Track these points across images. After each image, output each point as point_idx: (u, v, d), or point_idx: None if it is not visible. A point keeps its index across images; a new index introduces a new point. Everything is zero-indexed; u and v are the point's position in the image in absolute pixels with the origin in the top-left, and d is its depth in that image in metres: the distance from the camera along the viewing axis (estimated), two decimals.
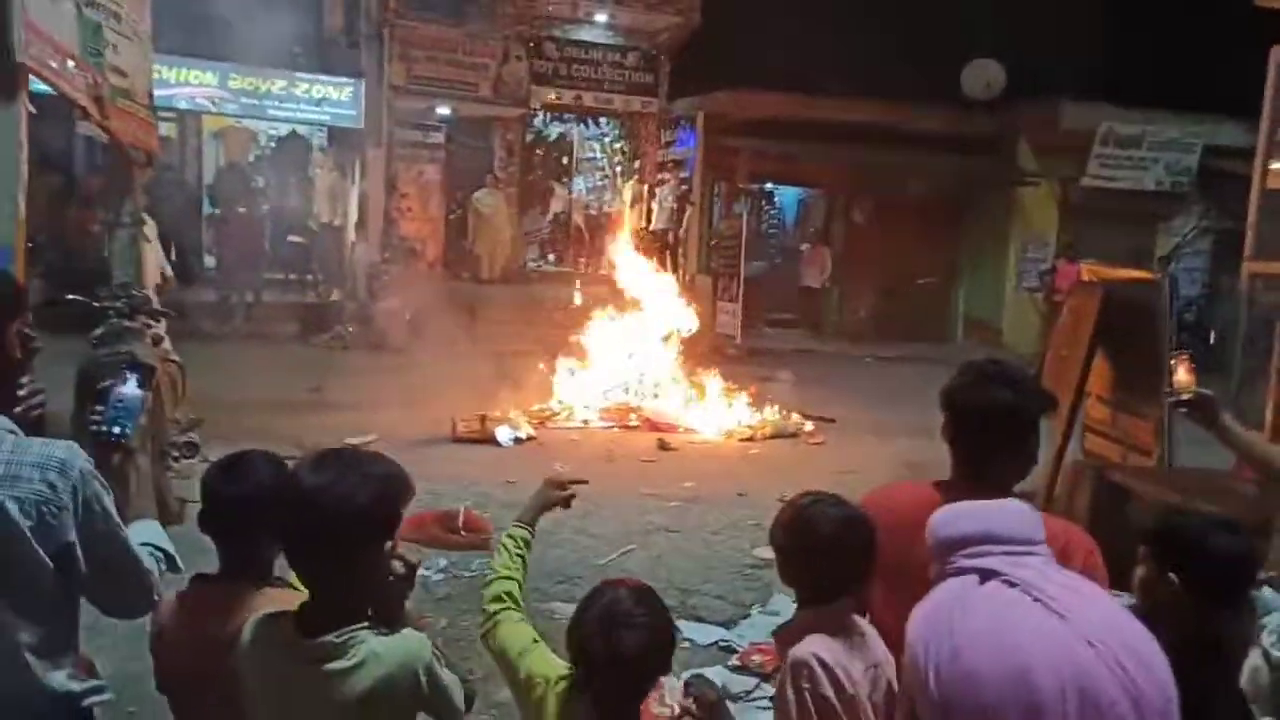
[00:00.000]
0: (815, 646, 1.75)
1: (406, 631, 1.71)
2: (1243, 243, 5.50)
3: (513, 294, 14.82)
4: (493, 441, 7.95)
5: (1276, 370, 4.91)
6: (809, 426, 9.26)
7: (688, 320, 10.29)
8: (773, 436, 8.91)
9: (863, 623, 1.88)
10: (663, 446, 8.28)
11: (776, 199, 18.24)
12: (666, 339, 9.96)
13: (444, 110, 15.65)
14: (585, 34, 15.92)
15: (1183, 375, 2.71)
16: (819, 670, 1.70)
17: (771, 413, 9.37)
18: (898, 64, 14.28)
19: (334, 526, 1.60)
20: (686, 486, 6.89)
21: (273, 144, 15.69)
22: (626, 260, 10.93)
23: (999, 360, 2.03)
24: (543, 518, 2.22)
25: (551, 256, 17.85)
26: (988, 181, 16.83)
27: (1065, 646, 0.93)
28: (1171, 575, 1.62)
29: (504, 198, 15.43)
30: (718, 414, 9.20)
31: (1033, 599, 0.99)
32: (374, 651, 1.63)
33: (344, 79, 14.39)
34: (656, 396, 9.31)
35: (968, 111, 15.67)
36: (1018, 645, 0.95)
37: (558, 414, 9.07)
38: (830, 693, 1.67)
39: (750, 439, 8.80)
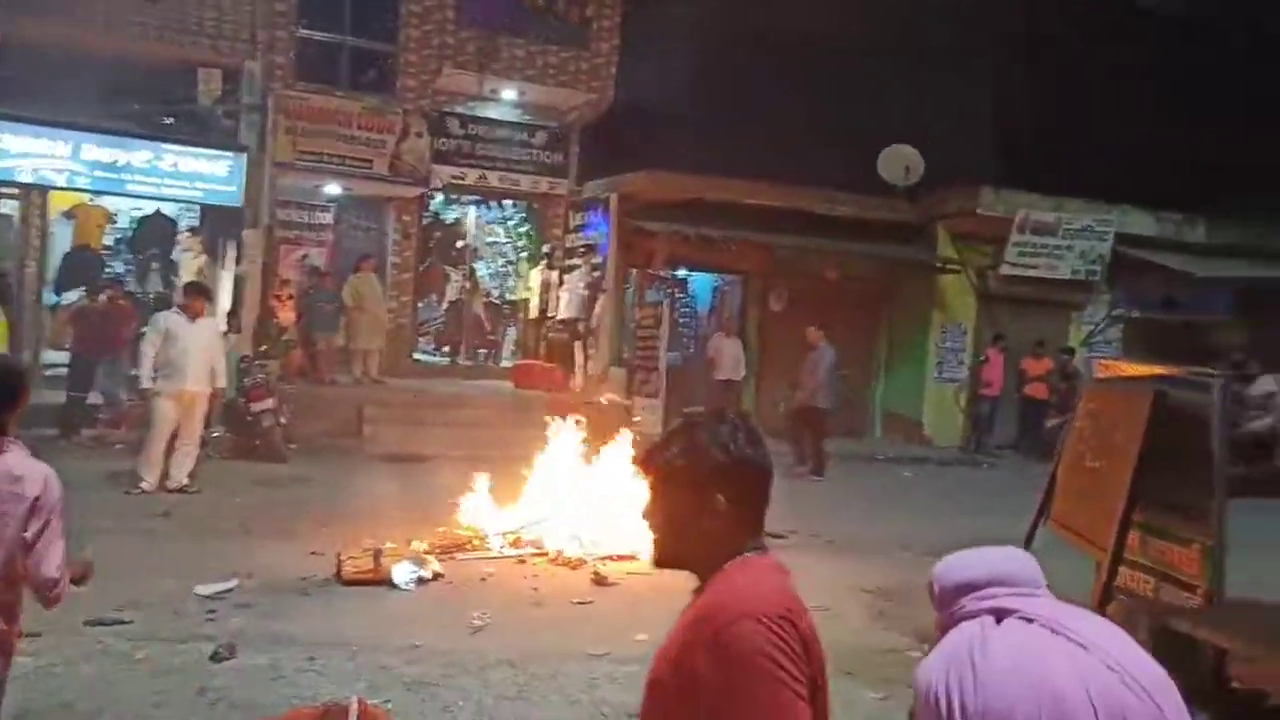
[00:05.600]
0: None
1: None
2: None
3: (404, 392, 13.33)
4: (388, 583, 6.47)
5: None
6: None
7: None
8: None
9: None
10: (598, 580, 6.94)
11: (690, 286, 17.35)
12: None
13: (334, 189, 14.29)
14: (492, 111, 14.90)
15: None
16: None
17: None
18: (817, 148, 13.73)
19: None
20: (639, 640, 5.52)
21: (134, 224, 13.98)
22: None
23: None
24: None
25: (446, 349, 16.41)
26: (907, 269, 16.36)
27: (1092, 671, 1.01)
28: None
29: (376, 281, 13.71)
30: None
31: (1052, 631, 1.05)
32: None
33: (221, 152, 12.89)
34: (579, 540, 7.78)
35: (887, 198, 15.18)
36: (1044, 675, 1.02)
37: (468, 540, 7.64)
38: None
39: None
